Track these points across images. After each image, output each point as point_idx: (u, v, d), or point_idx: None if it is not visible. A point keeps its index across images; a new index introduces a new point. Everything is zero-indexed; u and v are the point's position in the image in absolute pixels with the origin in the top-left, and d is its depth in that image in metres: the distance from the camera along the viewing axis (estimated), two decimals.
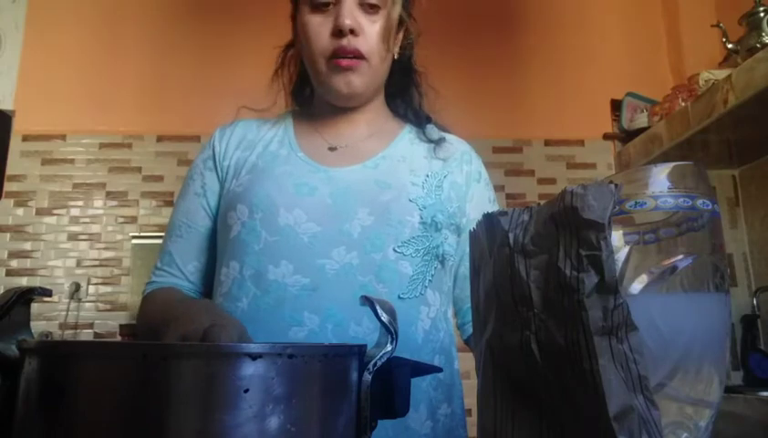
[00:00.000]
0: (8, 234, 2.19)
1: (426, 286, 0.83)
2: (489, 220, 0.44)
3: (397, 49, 0.93)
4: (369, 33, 0.85)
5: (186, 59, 2.38)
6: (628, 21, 2.58)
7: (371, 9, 0.86)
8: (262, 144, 0.92)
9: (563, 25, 2.56)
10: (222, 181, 0.91)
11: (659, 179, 0.42)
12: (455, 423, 0.86)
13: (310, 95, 0.98)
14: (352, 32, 0.83)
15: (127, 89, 2.33)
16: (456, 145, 0.97)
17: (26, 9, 2.37)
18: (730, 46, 1.92)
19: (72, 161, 2.27)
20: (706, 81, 1.91)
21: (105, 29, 2.40)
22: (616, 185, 0.37)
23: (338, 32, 0.83)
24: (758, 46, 1.78)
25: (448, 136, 0.97)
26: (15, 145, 2.23)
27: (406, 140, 0.94)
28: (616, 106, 2.44)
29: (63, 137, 2.28)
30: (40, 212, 2.22)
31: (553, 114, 2.44)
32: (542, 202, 0.41)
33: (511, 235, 0.41)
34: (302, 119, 0.96)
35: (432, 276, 0.85)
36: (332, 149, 0.90)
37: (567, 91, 2.47)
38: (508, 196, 2.36)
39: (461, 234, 0.90)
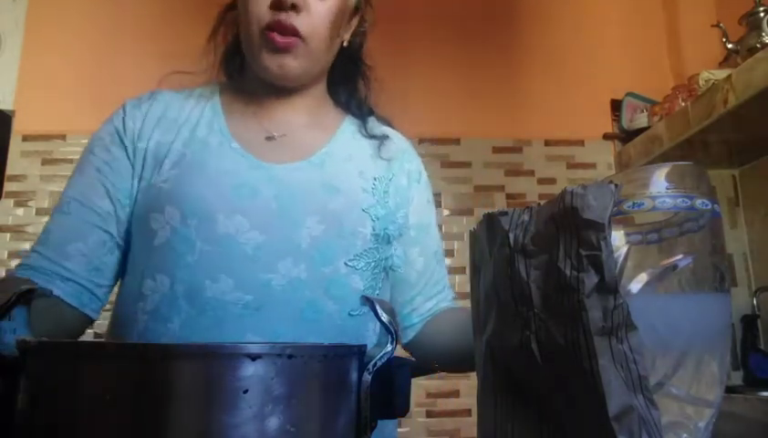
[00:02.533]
0: (8, 234, 2.19)
1: None
2: (489, 220, 0.44)
3: (347, 36, 0.86)
4: (315, 12, 0.76)
5: (186, 59, 2.38)
6: (628, 21, 2.58)
7: None
8: (188, 127, 0.80)
9: (563, 24, 2.56)
10: (133, 163, 0.78)
11: (659, 179, 0.42)
12: (387, 433, 0.81)
13: (241, 66, 0.87)
14: (294, 7, 0.74)
15: (127, 89, 2.31)
16: (398, 143, 0.90)
17: (27, 9, 2.37)
18: (730, 46, 1.92)
19: (72, 161, 2.26)
20: (706, 81, 1.91)
21: (105, 29, 2.40)
22: (616, 185, 0.37)
23: (278, 3, 0.74)
24: (758, 46, 1.78)
25: (389, 131, 0.91)
26: (15, 145, 2.23)
27: (348, 134, 0.87)
28: (616, 106, 2.44)
29: (63, 137, 2.28)
30: (40, 212, 2.22)
31: (553, 114, 2.44)
32: (542, 202, 0.41)
33: (511, 235, 0.41)
34: (231, 96, 0.85)
35: (380, 288, 0.80)
36: (269, 138, 0.81)
37: (567, 91, 2.47)
38: (508, 196, 2.36)
39: (401, 239, 0.85)
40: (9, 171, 2.19)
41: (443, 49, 2.38)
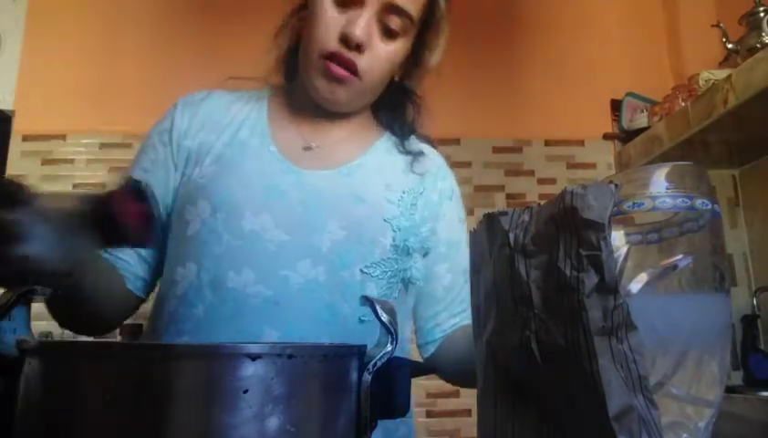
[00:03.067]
0: None
1: None
2: (489, 220, 0.44)
3: (401, 71, 0.87)
4: (377, 53, 0.78)
5: (186, 59, 2.38)
6: (628, 21, 2.58)
7: (390, 33, 0.78)
8: (231, 129, 0.83)
9: (563, 25, 2.56)
10: (176, 162, 0.82)
11: (659, 179, 0.42)
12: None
13: (296, 70, 0.88)
14: (358, 47, 0.76)
15: (127, 89, 2.33)
16: (433, 159, 0.92)
17: (26, 9, 2.37)
18: (730, 46, 1.92)
19: (72, 161, 2.26)
20: (706, 81, 1.91)
21: (105, 29, 2.40)
22: (616, 185, 0.37)
23: (345, 39, 0.76)
24: (758, 46, 1.78)
25: (425, 148, 0.92)
26: (15, 145, 2.23)
27: (383, 149, 0.88)
28: (616, 106, 2.44)
29: (63, 137, 2.28)
30: None
31: (553, 114, 2.44)
32: (542, 202, 0.41)
33: (511, 235, 0.41)
34: (279, 101, 0.88)
35: (396, 298, 0.81)
36: (307, 148, 0.84)
37: (567, 91, 2.47)
38: (508, 196, 2.36)
39: (429, 255, 0.86)
40: (9, 171, 2.19)
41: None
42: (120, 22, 2.41)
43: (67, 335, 2.13)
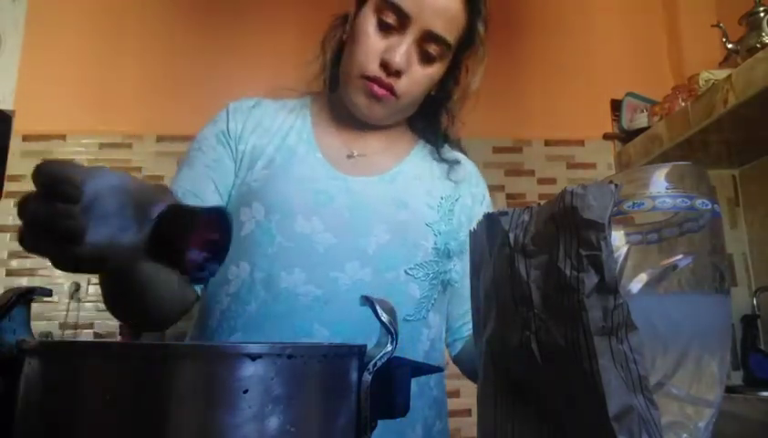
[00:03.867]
0: (8, 235, 2.19)
1: (429, 310, 0.83)
2: (489, 220, 0.44)
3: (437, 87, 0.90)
4: (415, 76, 0.82)
5: (186, 59, 2.38)
6: (628, 21, 2.58)
7: (428, 58, 0.82)
8: (279, 135, 0.87)
9: (563, 25, 2.56)
10: (235, 161, 0.86)
11: (659, 179, 0.42)
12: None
13: (337, 82, 0.92)
14: (398, 73, 0.80)
15: (127, 89, 2.33)
16: (467, 167, 0.97)
17: (26, 9, 2.37)
18: (730, 46, 1.92)
19: (72, 161, 2.26)
20: (706, 81, 1.91)
21: (105, 29, 2.40)
22: (616, 185, 0.37)
23: (386, 65, 0.80)
24: (758, 46, 1.78)
25: (460, 157, 0.97)
26: (15, 145, 2.23)
27: (420, 157, 0.93)
28: (616, 106, 2.44)
29: (63, 137, 2.27)
30: None
31: (553, 114, 2.44)
32: (542, 202, 0.41)
33: (511, 235, 0.41)
34: (321, 109, 0.92)
35: (435, 299, 0.85)
36: (350, 156, 0.88)
37: (567, 91, 2.47)
38: (508, 196, 2.36)
39: (463, 256, 0.89)
40: (9, 171, 2.19)
41: None
42: (121, 22, 2.41)
43: (68, 335, 2.13)
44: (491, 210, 0.94)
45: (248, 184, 0.83)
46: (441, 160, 0.94)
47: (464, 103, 0.96)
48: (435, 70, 0.84)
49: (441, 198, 0.88)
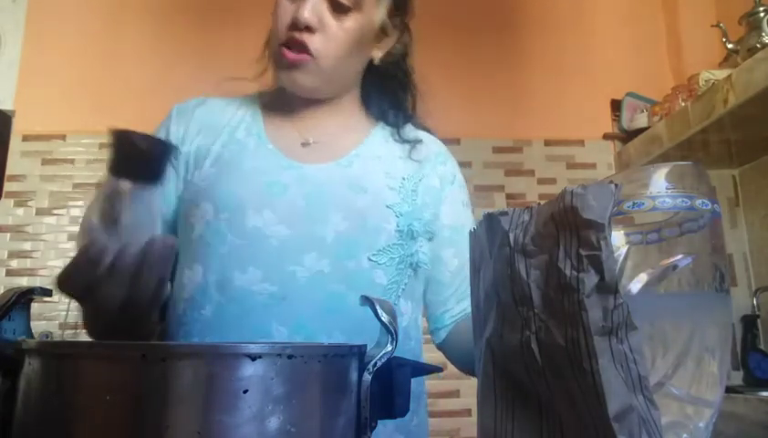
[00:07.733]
0: (8, 234, 2.19)
1: (399, 296, 0.81)
2: (489, 220, 0.44)
3: (380, 54, 0.88)
4: (331, 32, 0.79)
5: (186, 59, 2.38)
6: (628, 21, 2.58)
7: (339, 9, 0.79)
8: (227, 131, 0.85)
9: (563, 25, 2.56)
10: (176, 168, 0.84)
11: (659, 179, 0.42)
12: (421, 432, 0.84)
13: None
14: (308, 28, 0.78)
15: (127, 89, 2.33)
16: (431, 146, 0.93)
17: (26, 9, 2.37)
18: (730, 46, 1.92)
19: (72, 161, 2.26)
20: (706, 81, 1.91)
21: (105, 29, 2.40)
22: (616, 185, 0.37)
23: (293, 24, 0.78)
24: (758, 46, 1.78)
25: (423, 135, 0.93)
26: (15, 145, 2.23)
27: (379, 139, 0.90)
28: (616, 106, 2.44)
29: (63, 137, 2.27)
30: (40, 212, 2.22)
31: (553, 114, 2.44)
32: (542, 202, 0.41)
33: (511, 235, 0.41)
34: (270, 103, 0.90)
35: (406, 284, 0.82)
36: (305, 144, 0.85)
37: (567, 91, 2.47)
38: (508, 196, 2.36)
39: (434, 240, 0.87)
40: (9, 171, 2.19)
41: (443, 49, 2.38)
42: (121, 22, 2.41)
43: (68, 335, 2.13)
44: (464, 190, 0.94)
45: (196, 185, 0.81)
46: (403, 140, 0.90)
47: (407, 54, 0.92)
48: (354, 22, 0.80)
49: (403, 178, 0.85)
